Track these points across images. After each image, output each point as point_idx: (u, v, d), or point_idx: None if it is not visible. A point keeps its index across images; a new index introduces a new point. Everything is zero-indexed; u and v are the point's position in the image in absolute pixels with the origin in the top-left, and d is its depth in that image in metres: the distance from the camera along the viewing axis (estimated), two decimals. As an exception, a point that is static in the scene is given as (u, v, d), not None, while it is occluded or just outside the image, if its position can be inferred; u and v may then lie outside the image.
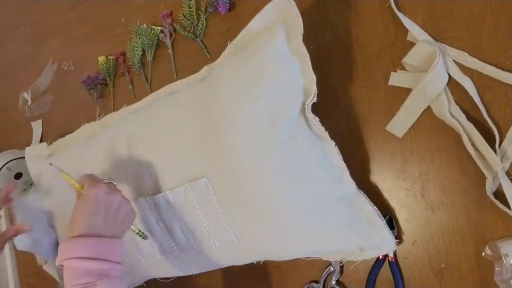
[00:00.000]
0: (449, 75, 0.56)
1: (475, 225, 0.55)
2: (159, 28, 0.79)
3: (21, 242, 0.75)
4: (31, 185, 0.98)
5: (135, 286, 0.80)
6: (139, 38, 0.82)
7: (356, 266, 0.62)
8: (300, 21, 0.53)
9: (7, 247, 1.05)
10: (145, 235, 0.63)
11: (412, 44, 0.58)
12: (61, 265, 0.49)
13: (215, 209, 0.58)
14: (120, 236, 0.53)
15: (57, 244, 0.80)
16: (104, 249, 0.49)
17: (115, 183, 0.58)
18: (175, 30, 0.78)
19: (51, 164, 0.57)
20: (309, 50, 0.53)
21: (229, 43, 0.61)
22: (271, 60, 0.53)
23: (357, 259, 0.59)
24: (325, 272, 0.64)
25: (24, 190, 0.99)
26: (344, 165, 0.55)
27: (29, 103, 1.04)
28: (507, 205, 0.52)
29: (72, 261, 0.48)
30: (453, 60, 0.56)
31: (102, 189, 0.53)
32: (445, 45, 0.56)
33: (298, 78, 0.54)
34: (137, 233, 0.62)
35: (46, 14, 1.04)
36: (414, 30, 0.57)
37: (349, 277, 0.64)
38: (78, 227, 0.50)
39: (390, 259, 0.59)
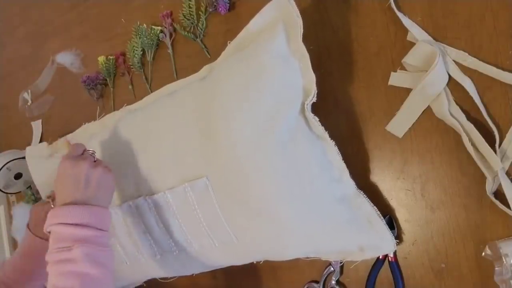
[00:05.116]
0: (449, 75, 0.56)
1: (475, 225, 0.55)
2: (159, 28, 0.79)
3: None
4: (30, 186, 0.99)
5: (135, 286, 0.80)
6: (139, 38, 0.82)
7: (356, 266, 0.62)
8: (300, 21, 0.53)
9: (5, 240, 1.06)
10: None
11: (412, 44, 0.58)
12: (49, 232, 0.52)
13: (215, 209, 0.58)
14: (100, 204, 0.55)
15: None
16: (82, 215, 0.52)
17: (94, 155, 0.61)
18: (175, 30, 0.78)
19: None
20: (309, 50, 0.53)
21: (229, 43, 0.61)
22: (271, 60, 0.53)
23: (357, 259, 0.60)
24: (325, 272, 0.64)
25: (28, 188, 0.99)
26: (343, 165, 0.55)
27: (29, 103, 1.04)
28: (507, 205, 0.51)
29: (54, 227, 0.51)
30: (453, 60, 0.56)
31: (66, 162, 0.56)
32: (445, 45, 0.56)
33: (298, 78, 0.53)
34: None
35: (46, 14, 1.04)
36: (414, 30, 0.57)
37: (349, 277, 0.64)
38: (60, 198, 0.54)
39: (390, 259, 0.59)
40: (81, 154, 0.58)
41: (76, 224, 0.51)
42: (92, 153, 0.60)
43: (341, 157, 0.55)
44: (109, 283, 0.51)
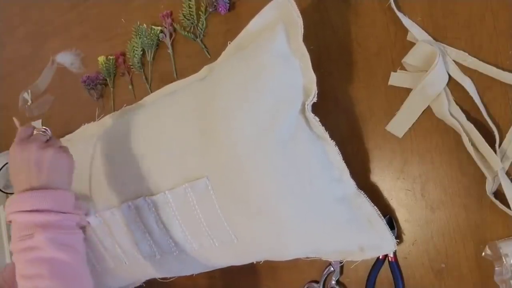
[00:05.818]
0: (449, 75, 0.56)
1: (475, 225, 0.55)
2: (159, 28, 0.79)
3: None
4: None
5: (135, 285, 0.80)
6: (139, 38, 0.82)
7: (356, 266, 0.62)
8: (300, 21, 0.53)
9: (5, 240, 1.06)
10: None
11: (412, 44, 0.58)
12: (10, 222, 0.50)
13: (215, 209, 0.58)
14: (59, 186, 0.52)
15: None
16: (40, 200, 0.49)
17: (47, 133, 0.57)
18: (175, 30, 0.79)
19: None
20: (309, 50, 0.53)
21: (229, 43, 0.61)
22: (271, 60, 0.53)
23: (357, 259, 0.59)
24: (325, 272, 0.64)
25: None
26: (344, 165, 0.55)
27: (29, 103, 1.04)
28: (507, 205, 0.51)
29: (13, 215, 0.49)
30: (453, 60, 0.56)
31: (15, 148, 0.53)
32: (445, 45, 0.56)
33: (298, 78, 0.53)
34: None
35: (46, 14, 1.04)
36: (414, 30, 0.57)
37: (349, 277, 0.64)
38: (16, 186, 0.51)
39: (390, 259, 0.59)
40: (30, 135, 0.55)
41: (35, 211, 0.48)
42: (43, 131, 0.56)
43: (341, 157, 0.55)
44: (81, 266, 0.50)
